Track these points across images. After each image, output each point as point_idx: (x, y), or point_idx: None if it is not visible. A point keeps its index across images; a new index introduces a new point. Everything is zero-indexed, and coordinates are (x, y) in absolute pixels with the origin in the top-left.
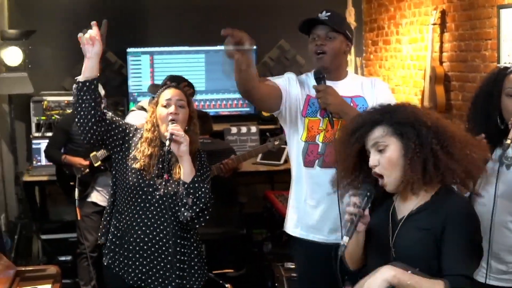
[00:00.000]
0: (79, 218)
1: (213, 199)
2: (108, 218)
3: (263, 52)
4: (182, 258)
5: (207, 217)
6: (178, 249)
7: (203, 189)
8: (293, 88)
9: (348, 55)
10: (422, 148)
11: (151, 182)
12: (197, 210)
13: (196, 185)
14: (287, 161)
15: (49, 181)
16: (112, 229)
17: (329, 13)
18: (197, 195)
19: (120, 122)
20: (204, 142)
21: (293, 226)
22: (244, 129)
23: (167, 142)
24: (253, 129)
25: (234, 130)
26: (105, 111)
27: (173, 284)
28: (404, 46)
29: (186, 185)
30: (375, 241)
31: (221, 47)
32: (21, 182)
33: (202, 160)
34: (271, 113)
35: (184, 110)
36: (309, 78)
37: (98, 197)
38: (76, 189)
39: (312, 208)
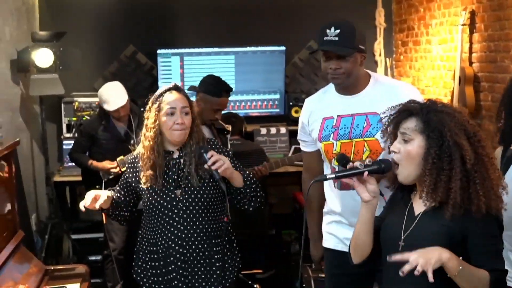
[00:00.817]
0: (104, 222)
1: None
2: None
3: (292, 53)
4: (217, 256)
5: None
6: (215, 249)
7: (253, 183)
8: (311, 127)
9: (378, 56)
10: (440, 161)
11: (172, 195)
12: (259, 200)
13: (248, 183)
14: None
15: (79, 182)
16: (144, 252)
17: (338, 30)
18: (252, 188)
19: (127, 185)
20: (234, 143)
21: (325, 239)
22: (273, 130)
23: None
24: (283, 130)
25: (263, 131)
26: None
27: (214, 277)
28: (434, 47)
29: (239, 190)
30: (388, 236)
31: (250, 48)
32: (52, 182)
33: (219, 150)
34: None
35: (188, 116)
36: (325, 96)
37: None
38: None
39: (339, 223)
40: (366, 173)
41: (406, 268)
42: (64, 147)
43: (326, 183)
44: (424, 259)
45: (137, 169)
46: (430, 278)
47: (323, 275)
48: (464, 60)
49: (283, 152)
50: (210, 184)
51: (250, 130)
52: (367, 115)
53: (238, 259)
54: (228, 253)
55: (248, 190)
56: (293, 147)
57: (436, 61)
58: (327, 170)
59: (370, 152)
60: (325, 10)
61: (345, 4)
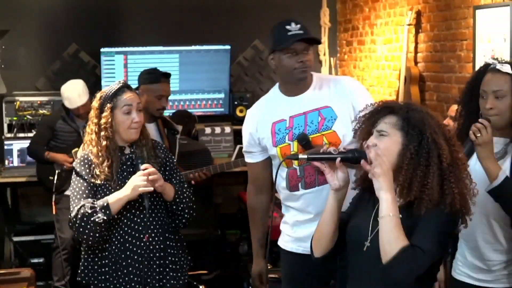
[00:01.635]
0: (54, 212)
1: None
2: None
3: (237, 52)
4: (173, 252)
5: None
6: (169, 244)
7: (184, 200)
8: (260, 135)
9: (322, 55)
10: (418, 157)
11: None
12: (185, 219)
13: (178, 200)
14: None
15: (21, 183)
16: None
17: (299, 25)
18: (180, 207)
19: (88, 186)
20: (181, 142)
21: (284, 240)
22: (218, 130)
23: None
24: (227, 129)
25: (208, 130)
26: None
27: (170, 275)
28: (379, 47)
29: (169, 204)
30: (354, 237)
31: (195, 47)
32: None
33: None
34: None
35: (141, 113)
36: (271, 101)
37: None
38: (55, 183)
39: (302, 224)
40: (338, 159)
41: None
42: (5, 147)
43: (282, 188)
44: (382, 167)
45: (91, 167)
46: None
47: (274, 276)
48: (410, 59)
49: (227, 151)
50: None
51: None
52: (319, 110)
53: (189, 257)
54: (181, 251)
55: (175, 207)
56: (238, 146)
57: (380, 61)
58: (279, 180)
59: (329, 144)
60: (270, 9)
61: (290, 3)
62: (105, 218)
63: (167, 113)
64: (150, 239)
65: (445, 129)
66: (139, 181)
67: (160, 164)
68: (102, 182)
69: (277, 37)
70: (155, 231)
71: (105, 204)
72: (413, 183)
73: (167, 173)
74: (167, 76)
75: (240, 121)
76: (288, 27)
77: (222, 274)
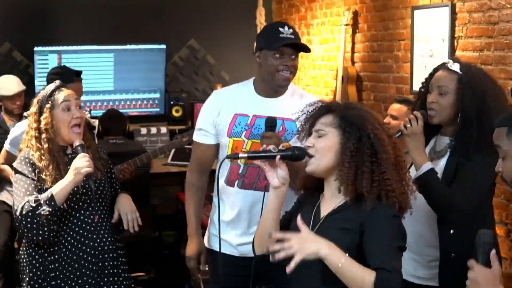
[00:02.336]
0: None
1: None
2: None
3: (173, 52)
4: (122, 252)
5: None
6: (118, 245)
7: None
8: (219, 120)
9: None
10: (360, 154)
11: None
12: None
13: None
14: None
15: None
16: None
17: (291, 30)
18: None
19: (32, 184)
20: (117, 142)
21: (209, 240)
22: (154, 130)
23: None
24: (163, 129)
25: (143, 131)
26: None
27: (123, 276)
28: (315, 47)
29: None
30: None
31: (130, 46)
32: None
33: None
34: None
35: (82, 109)
36: (241, 93)
37: (9, 197)
38: None
39: (226, 225)
40: (278, 157)
41: (291, 265)
42: None
43: (221, 178)
44: (298, 246)
45: (35, 168)
46: (290, 267)
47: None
48: (347, 59)
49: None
50: (104, 179)
51: (130, 130)
52: (284, 120)
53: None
54: (124, 252)
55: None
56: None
57: (317, 61)
58: (222, 170)
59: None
60: (206, 8)
61: (225, 3)
62: (50, 209)
63: (98, 113)
64: (100, 220)
65: (386, 127)
66: (81, 163)
67: (104, 166)
68: (50, 185)
69: (268, 36)
70: (103, 228)
71: (49, 195)
72: (360, 180)
73: (109, 175)
74: (79, 74)
75: (176, 121)
76: (281, 29)
77: (159, 276)
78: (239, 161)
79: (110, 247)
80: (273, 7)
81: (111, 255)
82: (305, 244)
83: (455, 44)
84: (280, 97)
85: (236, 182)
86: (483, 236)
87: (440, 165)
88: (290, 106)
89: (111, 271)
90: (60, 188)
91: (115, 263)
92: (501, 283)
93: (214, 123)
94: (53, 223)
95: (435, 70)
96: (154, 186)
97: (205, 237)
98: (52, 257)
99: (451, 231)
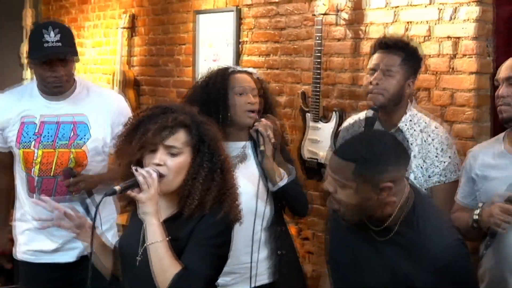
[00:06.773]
0: None
1: None
2: None
3: None
4: None
5: None
6: None
7: None
8: (6, 127)
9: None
10: (210, 173)
11: None
12: None
13: None
14: None
15: None
16: None
17: (58, 33)
18: None
19: None
20: None
21: (21, 251)
22: None
23: None
24: None
25: None
26: None
27: None
28: (87, 50)
29: None
30: (125, 250)
31: None
32: None
33: None
34: None
35: None
36: (26, 94)
37: None
38: None
39: (35, 233)
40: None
41: None
42: None
43: (20, 189)
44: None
45: None
46: None
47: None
48: (124, 63)
49: None
50: None
51: None
52: (74, 124)
53: None
54: None
55: None
56: None
57: (90, 64)
58: (20, 180)
59: (75, 164)
60: None
61: None
62: None
63: None
64: None
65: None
66: None
67: None
68: None
69: (33, 44)
70: None
71: None
72: (194, 193)
73: None
74: None
75: None
76: (46, 35)
77: None
78: (32, 173)
79: None
80: (40, 8)
81: None
82: (152, 198)
83: (240, 48)
84: (69, 96)
85: (35, 196)
86: None
87: (252, 168)
88: (81, 106)
89: None
90: None
91: None
92: None
93: (1, 130)
94: None
95: (226, 75)
96: None
97: (17, 249)
98: None
99: None
